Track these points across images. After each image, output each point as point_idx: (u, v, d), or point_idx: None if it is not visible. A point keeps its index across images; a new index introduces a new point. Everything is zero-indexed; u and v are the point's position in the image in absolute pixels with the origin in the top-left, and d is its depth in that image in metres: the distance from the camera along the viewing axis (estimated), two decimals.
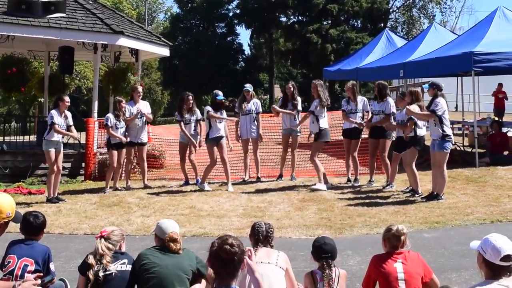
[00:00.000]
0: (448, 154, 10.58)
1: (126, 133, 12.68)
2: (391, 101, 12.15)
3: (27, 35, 14.25)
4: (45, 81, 17.70)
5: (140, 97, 13.13)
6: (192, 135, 12.70)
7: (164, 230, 5.28)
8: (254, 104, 13.24)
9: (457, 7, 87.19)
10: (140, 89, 13.35)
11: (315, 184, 12.03)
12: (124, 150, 12.75)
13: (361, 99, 12.65)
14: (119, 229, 5.47)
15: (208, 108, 12.41)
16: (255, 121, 13.17)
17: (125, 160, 13.00)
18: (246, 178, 13.37)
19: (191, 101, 12.90)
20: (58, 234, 9.17)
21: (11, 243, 5.70)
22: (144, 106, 13.11)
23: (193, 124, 12.81)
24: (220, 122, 12.40)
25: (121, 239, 5.33)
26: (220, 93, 12.80)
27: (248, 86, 13.41)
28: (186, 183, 13.10)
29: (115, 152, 12.53)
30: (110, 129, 12.44)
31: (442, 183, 10.52)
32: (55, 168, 11.60)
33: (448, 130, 10.47)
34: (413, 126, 10.82)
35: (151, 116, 13.36)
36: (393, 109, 12.03)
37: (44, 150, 11.67)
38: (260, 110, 13.37)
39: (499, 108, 23.22)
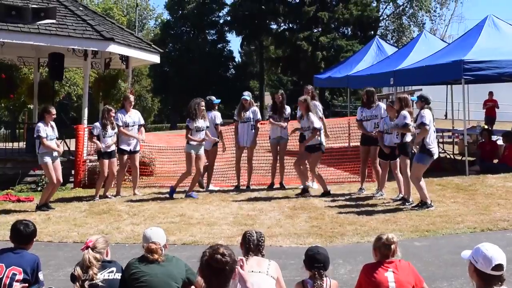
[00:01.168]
0: (425, 168, 10.57)
1: (115, 143, 12.64)
2: (382, 105, 12.19)
3: (17, 41, 14.17)
4: (35, 88, 17.62)
5: (132, 106, 13.06)
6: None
7: (146, 239, 5.28)
8: (253, 112, 13.23)
9: (447, 16, 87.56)
10: (132, 98, 13.29)
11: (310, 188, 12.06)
12: (115, 160, 12.71)
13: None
14: (101, 236, 5.44)
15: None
16: (253, 130, 13.16)
17: (118, 169, 12.92)
18: (239, 185, 13.34)
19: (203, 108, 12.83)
20: (47, 242, 9.10)
21: (0, 252, 5.65)
22: (135, 115, 13.05)
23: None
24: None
25: (106, 246, 5.31)
26: (214, 98, 13.43)
27: (246, 95, 13.39)
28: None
29: (106, 161, 12.47)
30: (94, 137, 12.39)
31: (421, 191, 10.61)
32: (54, 180, 11.50)
33: (430, 145, 10.43)
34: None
35: (143, 137, 13.34)
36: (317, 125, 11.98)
37: (41, 164, 11.57)
38: (259, 117, 13.34)
39: (490, 117, 23.33)
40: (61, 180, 11.90)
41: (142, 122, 13.27)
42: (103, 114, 12.68)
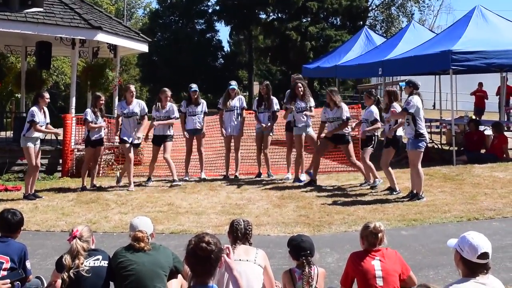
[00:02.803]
0: (422, 153, 10.53)
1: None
2: (344, 106, 12.09)
3: (3, 30, 14.04)
4: (22, 77, 17.50)
5: (134, 97, 12.59)
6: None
7: (133, 228, 5.28)
8: (239, 100, 13.22)
9: (436, 6, 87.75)
10: (133, 88, 12.79)
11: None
12: (102, 148, 12.69)
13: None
14: (85, 225, 5.45)
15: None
16: (239, 117, 13.15)
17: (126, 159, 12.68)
18: (227, 174, 13.35)
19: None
20: (35, 231, 9.08)
21: None
22: (136, 106, 12.55)
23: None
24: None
25: (91, 234, 5.33)
26: (193, 85, 13.49)
27: (234, 84, 13.35)
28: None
29: (91, 149, 12.43)
30: (90, 123, 12.32)
31: (418, 182, 10.54)
32: (34, 163, 11.49)
33: (422, 129, 10.41)
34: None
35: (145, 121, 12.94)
36: (347, 114, 12.05)
37: (22, 147, 11.52)
38: (245, 105, 13.31)
39: (479, 107, 23.44)
40: (39, 166, 11.88)
41: (143, 113, 12.64)
42: (93, 101, 12.64)
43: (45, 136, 13.57)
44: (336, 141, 12.18)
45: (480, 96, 23.80)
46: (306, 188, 11.87)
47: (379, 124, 11.58)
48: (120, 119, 12.55)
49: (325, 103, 12.51)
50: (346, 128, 12.02)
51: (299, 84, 12.46)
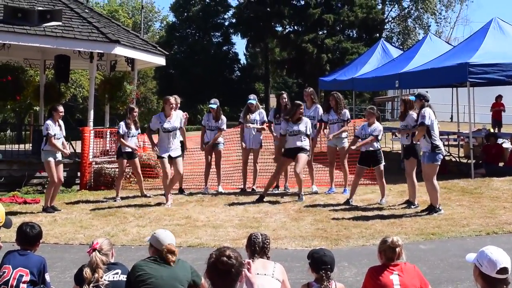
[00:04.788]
0: (438, 166, 10.47)
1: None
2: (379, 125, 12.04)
3: (23, 43, 14.22)
4: (41, 90, 17.67)
5: (173, 109, 12.06)
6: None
7: (161, 241, 5.25)
8: (259, 114, 13.23)
9: (452, 18, 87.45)
10: (172, 100, 12.10)
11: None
12: (136, 160, 12.76)
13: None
14: (105, 238, 5.46)
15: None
16: (258, 131, 13.18)
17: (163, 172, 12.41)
18: (245, 187, 13.36)
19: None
20: (53, 244, 9.12)
21: (6, 253, 5.68)
22: (177, 120, 12.06)
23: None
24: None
25: (111, 248, 5.32)
26: (212, 101, 13.43)
27: (252, 99, 13.32)
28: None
29: (124, 161, 12.52)
30: (122, 138, 12.41)
31: (434, 195, 10.47)
32: (55, 178, 11.55)
33: (437, 141, 10.32)
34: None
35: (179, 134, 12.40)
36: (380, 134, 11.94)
37: (43, 161, 11.62)
38: (265, 119, 13.31)
39: (497, 120, 23.31)
40: (62, 180, 11.98)
41: (181, 125, 12.21)
42: (127, 113, 12.71)
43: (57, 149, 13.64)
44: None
45: (497, 109, 23.65)
46: (324, 201, 11.84)
47: (369, 139, 11.38)
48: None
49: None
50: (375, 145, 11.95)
51: (331, 97, 12.65)
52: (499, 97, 23.56)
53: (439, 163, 10.48)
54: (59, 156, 11.73)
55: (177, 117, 12.12)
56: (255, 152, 13.26)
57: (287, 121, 12.04)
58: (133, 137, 12.51)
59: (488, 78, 14.35)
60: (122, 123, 12.59)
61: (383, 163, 11.47)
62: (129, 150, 12.51)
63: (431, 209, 10.46)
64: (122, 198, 12.68)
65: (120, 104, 15.55)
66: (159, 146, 11.98)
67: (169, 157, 11.94)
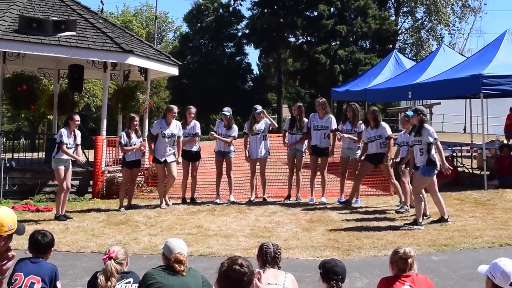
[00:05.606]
0: (428, 181, 10.39)
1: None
2: (385, 125, 12.18)
3: (37, 53, 14.36)
4: (55, 99, 17.81)
5: (175, 118, 12.93)
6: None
7: (171, 250, 5.25)
8: (264, 123, 13.25)
9: (466, 29, 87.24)
10: (175, 109, 13.01)
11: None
12: (138, 169, 12.86)
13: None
14: (122, 247, 5.46)
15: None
16: (265, 140, 13.19)
17: (159, 179, 13.11)
18: (253, 198, 13.35)
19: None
20: (65, 252, 9.14)
21: (18, 261, 5.69)
22: (176, 128, 12.82)
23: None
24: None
25: (126, 257, 5.32)
26: (226, 109, 13.57)
27: (260, 109, 13.35)
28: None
29: (128, 170, 12.57)
30: (124, 146, 12.50)
31: (419, 207, 10.40)
32: (64, 186, 11.63)
33: (434, 158, 10.28)
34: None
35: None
36: (390, 132, 12.04)
37: (53, 168, 11.71)
38: (270, 123, 13.35)
39: (510, 131, 23.13)
40: (70, 187, 12.09)
41: (180, 134, 12.87)
42: (127, 122, 12.81)
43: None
44: (377, 161, 12.20)
45: (510, 119, 23.46)
46: (335, 211, 11.82)
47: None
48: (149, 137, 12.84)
49: (364, 123, 12.54)
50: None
51: (349, 108, 12.79)
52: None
53: (430, 178, 10.38)
54: (69, 163, 11.80)
55: (176, 126, 12.87)
56: (261, 162, 13.24)
57: (366, 128, 12.34)
58: (134, 146, 12.59)
59: (502, 90, 14.31)
60: (123, 133, 12.77)
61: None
62: (133, 159, 12.60)
63: (414, 222, 10.38)
64: (134, 207, 12.70)
65: (134, 114, 15.63)
66: (156, 151, 12.73)
67: (165, 161, 12.69)
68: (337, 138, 12.63)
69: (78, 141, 11.84)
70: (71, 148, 11.68)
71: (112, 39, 15.03)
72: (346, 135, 12.48)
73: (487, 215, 11.05)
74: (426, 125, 10.40)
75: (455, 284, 7.18)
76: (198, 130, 13.29)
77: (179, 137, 12.82)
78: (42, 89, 16.72)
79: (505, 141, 19.22)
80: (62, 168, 11.58)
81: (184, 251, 5.28)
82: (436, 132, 10.55)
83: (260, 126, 13.18)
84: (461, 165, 18.15)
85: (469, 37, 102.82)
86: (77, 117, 11.92)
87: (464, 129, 32.54)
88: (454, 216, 10.95)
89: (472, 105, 21.32)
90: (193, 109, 13.31)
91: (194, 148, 13.16)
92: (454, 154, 18.04)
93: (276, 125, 13.79)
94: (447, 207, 11.65)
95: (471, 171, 17.63)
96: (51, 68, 18.34)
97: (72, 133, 11.69)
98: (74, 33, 14.58)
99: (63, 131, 11.60)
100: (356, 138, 12.54)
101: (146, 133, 14.76)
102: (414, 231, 9.91)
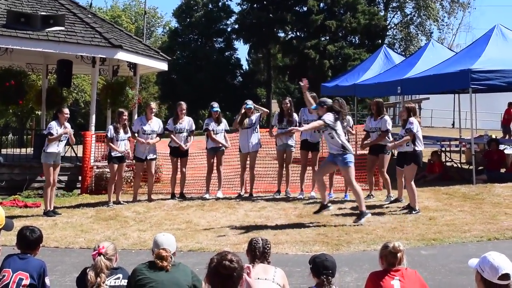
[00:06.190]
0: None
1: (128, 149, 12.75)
2: (387, 118, 12.28)
3: (25, 48, 14.25)
4: (43, 94, 17.69)
5: (153, 114, 13.16)
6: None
7: (157, 245, 5.26)
8: (255, 116, 13.22)
9: (455, 25, 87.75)
10: (153, 105, 13.51)
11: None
12: (124, 164, 12.82)
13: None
14: (111, 243, 5.44)
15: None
16: (256, 132, 13.17)
17: (135, 175, 13.26)
18: (242, 193, 13.33)
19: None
20: (54, 248, 9.12)
21: (6, 257, 5.66)
22: (155, 124, 13.11)
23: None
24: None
25: (115, 252, 5.31)
26: (215, 104, 13.49)
27: (250, 104, 13.31)
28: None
29: (115, 166, 12.53)
30: (110, 141, 12.45)
31: (414, 196, 10.94)
32: (51, 180, 11.58)
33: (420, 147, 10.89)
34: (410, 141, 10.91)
35: (157, 139, 13.24)
36: (389, 126, 12.14)
37: (42, 163, 11.65)
38: (260, 113, 13.38)
39: (507, 126, 23.24)
40: (56, 183, 12.02)
41: (161, 131, 13.18)
42: (116, 117, 12.79)
43: (65, 152, 13.67)
44: (376, 151, 12.30)
45: (508, 114, 23.53)
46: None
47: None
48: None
49: (370, 112, 12.83)
50: (387, 139, 12.16)
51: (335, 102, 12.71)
52: (510, 104, 23.38)
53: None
54: (58, 159, 11.76)
55: (157, 123, 13.15)
56: (252, 156, 13.21)
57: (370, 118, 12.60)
58: (122, 141, 12.56)
59: (490, 85, 14.34)
60: (110, 127, 12.77)
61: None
62: (119, 154, 12.55)
63: (410, 208, 10.98)
64: (123, 203, 12.66)
65: (123, 109, 15.58)
66: (136, 148, 12.89)
67: (145, 158, 12.87)
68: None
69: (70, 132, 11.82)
70: (63, 141, 11.67)
71: (101, 34, 14.95)
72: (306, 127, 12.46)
73: (475, 210, 11.10)
74: (411, 119, 10.73)
75: (444, 278, 7.21)
76: (194, 127, 13.49)
77: (159, 134, 13.06)
78: (31, 85, 16.62)
79: (499, 136, 19.30)
80: (51, 163, 11.54)
81: (171, 246, 5.26)
82: (425, 127, 10.66)
83: (251, 119, 13.14)
84: (450, 160, 18.22)
85: (458, 32, 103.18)
86: (66, 110, 11.89)
87: (453, 124, 32.64)
88: (443, 211, 11.00)
89: (461, 100, 21.39)
90: (184, 105, 13.32)
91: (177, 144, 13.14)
92: (443, 149, 18.09)
93: (267, 111, 13.76)
94: (436, 202, 11.76)
95: (459, 165, 17.70)
96: (40, 63, 18.23)
97: (62, 126, 11.64)
98: (62, 28, 14.49)
99: (53, 123, 11.58)
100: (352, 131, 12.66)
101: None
102: (403, 226, 9.93)
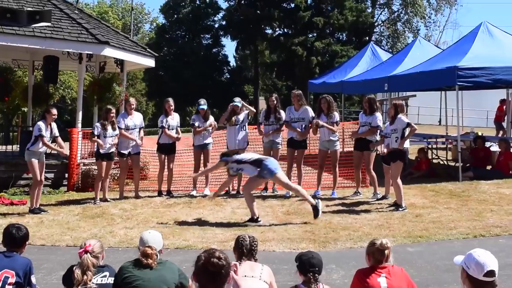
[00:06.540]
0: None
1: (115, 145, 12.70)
2: (379, 115, 12.29)
3: (11, 44, 14.11)
4: (29, 91, 17.57)
5: (133, 109, 13.16)
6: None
7: (143, 242, 5.25)
8: (243, 114, 13.19)
9: (442, 22, 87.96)
10: (132, 100, 13.52)
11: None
12: (112, 162, 12.79)
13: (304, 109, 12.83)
14: (98, 241, 5.43)
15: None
16: (244, 130, 13.14)
17: (120, 171, 13.26)
18: (230, 190, 13.31)
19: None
20: (40, 246, 9.07)
21: None
22: (137, 118, 13.17)
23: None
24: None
25: (101, 250, 5.29)
26: (202, 101, 13.51)
27: (238, 101, 13.25)
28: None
29: (103, 163, 12.49)
30: (96, 137, 12.41)
31: (400, 193, 11.03)
32: (38, 178, 11.52)
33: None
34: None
35: (142, 133, 13.37)
36: (380, 123, 12.16)
37: (27, 160, 11.58)
38: (248, 111, 13.32)
39: (499, 122, 23.37)
40: (43, 181, 11.96)
41: (143, 125, 13.37)
42: (103, 114, 12.73)
43: (51, 150, 13.59)
44: (362, 148, 12.35)
45: (500, 111, 23.63)
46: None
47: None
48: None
49: (362, 108, 12.92)
50: (374, 136, 12.16)
51: (323, 100, 12.73)
52: (503, 101, 23.44)
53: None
54: (43, 157, 11.70)
55: (138, 117, 13.26)
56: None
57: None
58: (110, 138, 12.52)
59: (477, 82, 14.41)
60: (97, 124, 12.70)
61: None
62: (108, 152, 12.53)
63: (397, 205, 11.08)
64: (110, 200, 12.62)
65: (111, 106, 15.53)
66: (119, 144, 12.87)
67: (129, 154, 12.95)
68: (315, 126, 12.60)
69: (56, 133, 11.74)
70: (49, 141, 11.60)
71: (87, 30, 14.87)
72: (322, 123, 12.41)
73: (461, 207, 11.15)
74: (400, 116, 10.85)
75: (430, 275, 7.24)
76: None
77: (141, 127, 13.19)
78: (17, 81, 16.59)
79: (486, 133, 19.37)
80: (36, 160, 11.48)
81: (157, 244, 5.26)
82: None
83: (239, 116, 13.12)
84: (436, 157, 18.29)
85: (444, 29, 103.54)
86: (54, 111, 11.81)
87: (439, 121, 32.75)
88: (429, 208, 11.04)
89: (448, 97, 21.48)
90: (171, 101, 13.31)
91: (170, 141, 13.12)
92: (429, 146, 18.17)
93: (254, 110, 13.75)
94: (422, 199, 11.81)
95: (446, 163, 17.76)
96: (26, 60, 18.11)
97: (49, 126, 11.58)
98: (49, 24, 14.39)
99: (41, 124, 11.47)
100: (334, 128, 12.57)
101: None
102: (389, 223, 9.97)
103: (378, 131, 12.16)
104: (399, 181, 10.98)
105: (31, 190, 11.82)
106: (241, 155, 10.49)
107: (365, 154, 12.30)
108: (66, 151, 12.15)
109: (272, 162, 10.28)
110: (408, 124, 10.90)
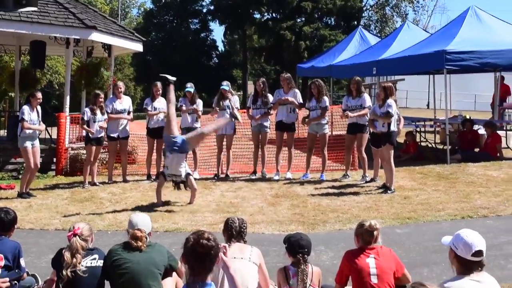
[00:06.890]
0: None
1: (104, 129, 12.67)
2: (366, 96, 12.34)
3: None
4: (16, 76, 17.44)
5: (122, 93, 13.18)
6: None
7: (132, 225, 5.26)
8: (232, 100, 13.17)
9: (430, 6, 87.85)
10: (120, 84, 13.47)
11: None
12: (100, 147, 12.77)
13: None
14: (86, 224, 5.43)
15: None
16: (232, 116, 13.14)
17: (109, 155, 13.23)
18: (219, 174, 13.31)
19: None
20: (29, 230, 9.05)
21: None
22: (126, 102, 13.18)
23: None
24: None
25: (91, 233, 5.30)
26: (188, 85, 13.55)
27: (226, 85, 13.25)
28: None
29: (93, 148, 12.46)
30: (85, 122, 12.36)
31: (391, 176, 11.05)
32: (32, 164, 11.46)
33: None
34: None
35: (131, 116, 13.33)
36: (370, 103, 12.18)
37: (20, 147, 11.52)
38: (238, 105, 13.28)
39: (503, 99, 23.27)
40: (38, 166, 11.89)
41: (131, 109, 13.37)
42: (92, 99, 12.69)
43: (40, 134, 13.55)
44: (354, 131, 12.34)
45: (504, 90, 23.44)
46: (300, 186, 11.89)
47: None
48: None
49: (347, 91, 12.86)
50: (366, 118, 12.14)
51: (313, 85, 12.73)
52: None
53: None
54: (36, 142, 11.64)
55: (127, 101, 13.28)
56: (228, 138, 13.20)
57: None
58: (99, 122, 12.49)
59: (465, 66, 14.46)
60: (87, 109, 12.65)
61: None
62: (97, 136, 12.50)
63: (386, 188, 11.15)
64: (99, 184, 12.60)
65: (99, 91, 15.46)
66: (108, 127, 12.83)
67: (118, 137, 12.94)
68: (345, 117, 12.63)
69: (40, 118, 11.67)
70: (35, 124, 11.53)
71: (74, 14, 14.76)
72: (352, 114, 12.30)
73: (449, 189, 11.22)
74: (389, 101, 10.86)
75: (418, 256, 7.29)
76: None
77: (130, 111, 13.20)
78: (3, 66, 16.49)
79: (473, 116, 19.41)
80: (29, 146, 11.40)
81: (146, 227, 5.28)
82: (400, 107, 10.76)
83: (227, 102, 13.10)
84: (425, 140, 18.38)
85: (433, 14, 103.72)
86: (39, 95, 11.74)
87: (428, 105, 32.89)
88: (417, 190, 11.11)
89: (436, 81, 21.55)
90: (159, 85, 13.26)
91: (159, 125, 13.06)
92: (418, 129, 18.24)
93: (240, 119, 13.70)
94: (411, 181, 11.88)
95: (434, 145, 17.85)
96: (12, 44, 17.97)
97: (35, 109, 11.52)
98: (35, 9, 14.28)
99: (26, 108, 11.41)
100: (324, 121, 12.59)
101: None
102: (378, 205, 10.02)
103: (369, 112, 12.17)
104: (392, 164, 10.99)
105: (23, 175, 11.77)
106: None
107: (357, 136, 12.31)
108: (43, 128, 12.07)
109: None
110: (388, 113, 10.85)
